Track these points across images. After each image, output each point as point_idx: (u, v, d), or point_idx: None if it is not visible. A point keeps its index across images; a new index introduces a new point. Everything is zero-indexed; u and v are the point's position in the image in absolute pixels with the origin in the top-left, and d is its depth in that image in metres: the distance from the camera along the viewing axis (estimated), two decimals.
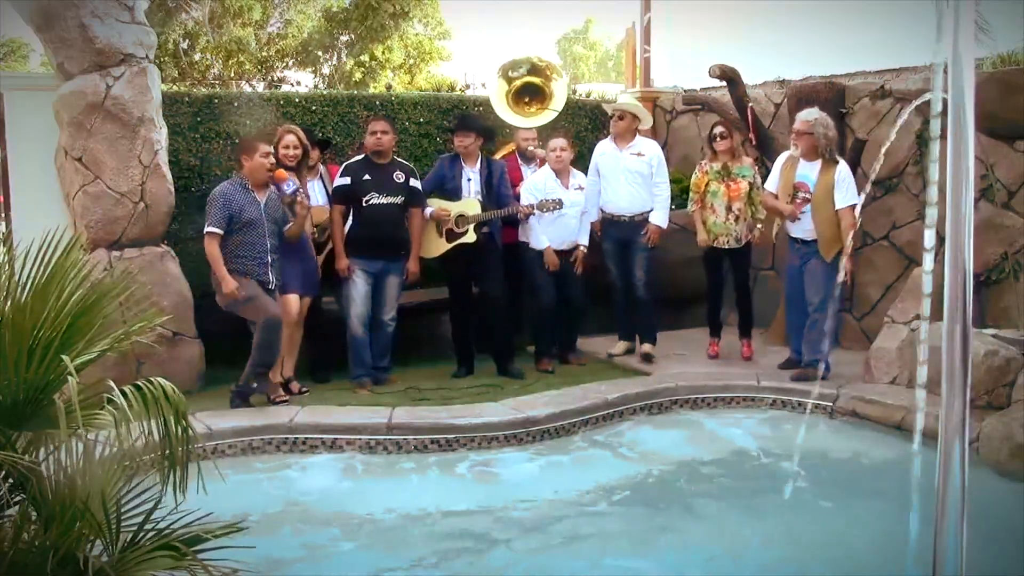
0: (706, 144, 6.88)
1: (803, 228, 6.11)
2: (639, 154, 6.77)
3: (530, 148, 6.89)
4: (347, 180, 6.14)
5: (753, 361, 6.67)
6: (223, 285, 5.52)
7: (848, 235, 5.91)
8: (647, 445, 5.43)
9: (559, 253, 6.58)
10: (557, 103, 6.78)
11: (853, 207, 5.88)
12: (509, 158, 7.06)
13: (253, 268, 5.59)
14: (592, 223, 6.81)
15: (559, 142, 6.59)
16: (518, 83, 6.81)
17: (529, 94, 6.83)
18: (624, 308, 6.98)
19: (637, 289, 6.77)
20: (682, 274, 7.26)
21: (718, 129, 6.71)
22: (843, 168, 6.03)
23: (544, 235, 6.53)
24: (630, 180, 6.72)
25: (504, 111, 6.82)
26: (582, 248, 6.69)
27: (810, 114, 6.15)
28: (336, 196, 6.19)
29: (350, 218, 6.21)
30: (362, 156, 6.27)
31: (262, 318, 5.52)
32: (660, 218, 6.74)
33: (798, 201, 6.09)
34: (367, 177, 6.12)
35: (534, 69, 6.86)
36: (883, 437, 5.37)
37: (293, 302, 5.87)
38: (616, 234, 6.78)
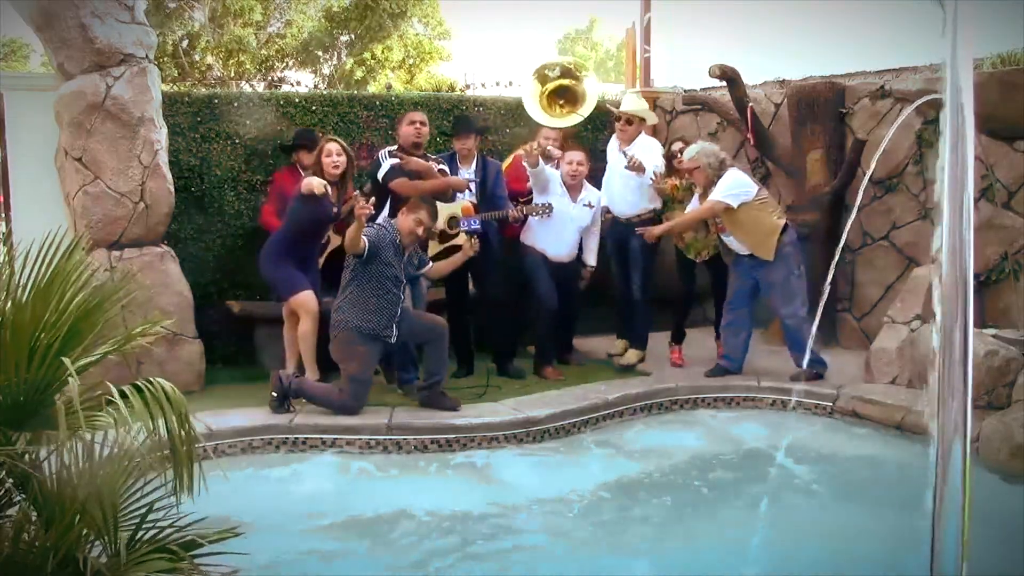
0: (665, 162, 6.67)
1: (735, 244, 6.20)
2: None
3: (549, 147, 6.80)
4: (398, 161, 6.03)
5: (751, 360, 6.65)
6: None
7: (690, 220, 6.26)
8: (647, 445, 5.43)
9: (558, 264, 6.52)
10: (586, 108, 6.83)
11: (725, 205, 6.00)
12: (514, 161, 7.02)
13: (383, 325, 5.43)
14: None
15: (577, 155, 6.53)
16: (552, 85, 6.86)
17: (561, 96, 6.95)
18: (624, 309, 6.95)
19: (633, 292, 6.73)
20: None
21: (677, 146, 6.63)
22: (729, 174, 6.09)
23: (533, 244, 6.49)
24: (625, 182, 6.64)
25: (536, 111, 6.92)
26: (590, 268, 6.67)
27: (691, 150, 6.24)
28: (396, 174, 5.99)
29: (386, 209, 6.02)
30: (396, 146, 6.23)
31: (338, 399, 5.41)
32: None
33: (720, 226, 6.21)
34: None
35: (567, 72, 6.96)
36: (883, 437, 5.37)
37: (311, 298, 5.84)
38: (616, 235, 6.76)
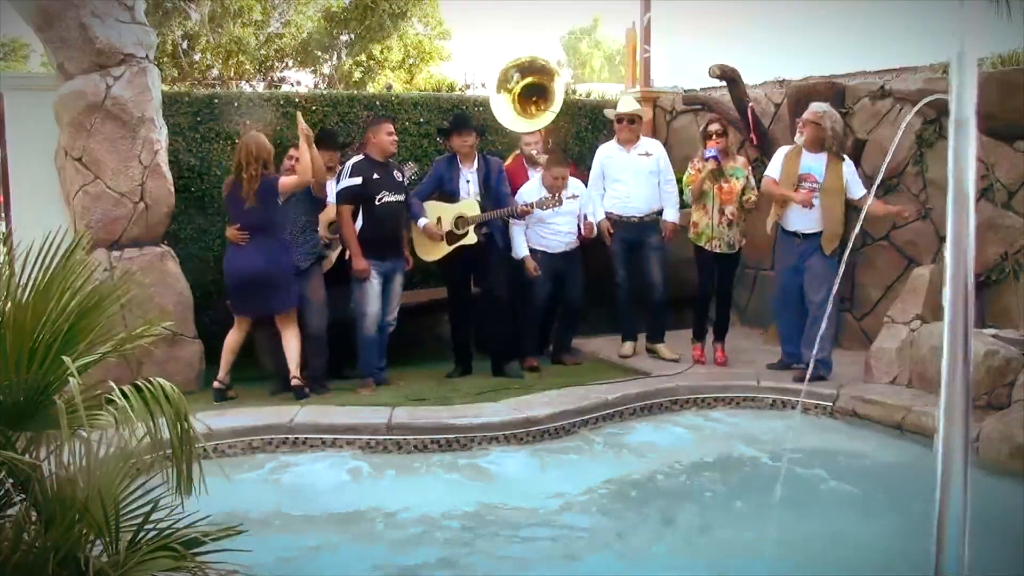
0: (699, 141, 6.77)
1: (808, 220, 6.08)
2: (647, 154, 6.86)
3: (534, 153, 6.84)
4: (359, 180, 6.09)
5: (753, 360, 6.67)
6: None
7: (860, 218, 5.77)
8: (647, 445, 5.42)
9: (554, 256, 6.62)
10: (556, 104, 6.73)
11: (864, 192, 6.08)
12: (515, 161, 7.03)
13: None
14: (600, 225, 6.80)
15: (562, 171, 6.56)
16: (518, 89, 6.75)
17: (534, 94, 6.73)
18: (629, 309, 6.97)
19: (656, 291, 6.83)
20: (683, 274, 7.26)
21: (714, 127, 6.58)
22: (850, 164, 6.17)
23: (527, 243, 6.60)
24: (642, 181, 6.79)
25: (511, 120, 6.75)
26: (591, 220, 6.73)
27: (820, 106, 6.19)
28: (347, 197, 6.09)
29: (359, 219, 6.17)
30: (363, 156, 6.23)
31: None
32: (674, 215, 6.85)
33: (804, 190, 6.07)
34: (376, 176, 6.13)
35: (528, 69, 6.76)
36: (883, 437, 5.37)
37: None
38: (626, 235, 6.79)
